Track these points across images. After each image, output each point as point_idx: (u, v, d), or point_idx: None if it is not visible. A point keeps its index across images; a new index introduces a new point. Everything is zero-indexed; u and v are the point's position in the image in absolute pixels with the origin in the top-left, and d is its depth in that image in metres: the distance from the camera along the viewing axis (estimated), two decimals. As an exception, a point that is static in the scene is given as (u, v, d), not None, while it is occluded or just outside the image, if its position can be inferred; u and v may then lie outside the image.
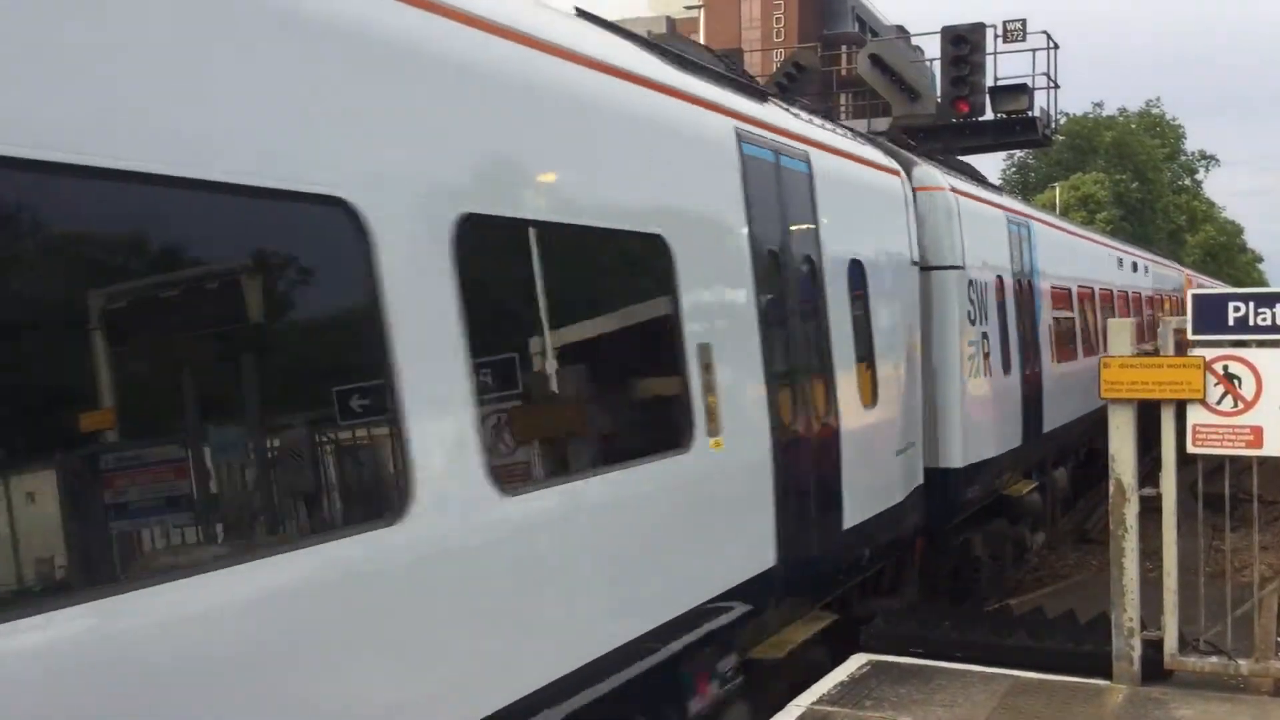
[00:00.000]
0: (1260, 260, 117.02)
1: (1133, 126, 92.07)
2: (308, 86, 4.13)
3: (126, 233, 3.65)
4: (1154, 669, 7.39)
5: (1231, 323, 6.96)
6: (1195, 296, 7.15)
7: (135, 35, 3.54)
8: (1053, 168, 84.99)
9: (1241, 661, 7.26)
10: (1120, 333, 7.45)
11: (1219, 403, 7.00)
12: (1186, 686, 7.34)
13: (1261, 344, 6.97)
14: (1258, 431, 6.92)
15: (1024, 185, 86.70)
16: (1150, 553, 7.61)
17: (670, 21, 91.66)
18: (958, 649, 8.14)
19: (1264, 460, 7.40)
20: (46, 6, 3.31)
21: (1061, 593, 12.82)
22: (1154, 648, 7.40)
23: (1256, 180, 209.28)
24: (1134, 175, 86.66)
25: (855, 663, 7.96)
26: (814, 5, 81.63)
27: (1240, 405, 6.95)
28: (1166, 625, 7.30)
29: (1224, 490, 7.98)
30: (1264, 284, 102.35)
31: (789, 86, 21.19)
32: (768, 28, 78.74)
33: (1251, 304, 6.93)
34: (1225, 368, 6.98)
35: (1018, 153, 78.67)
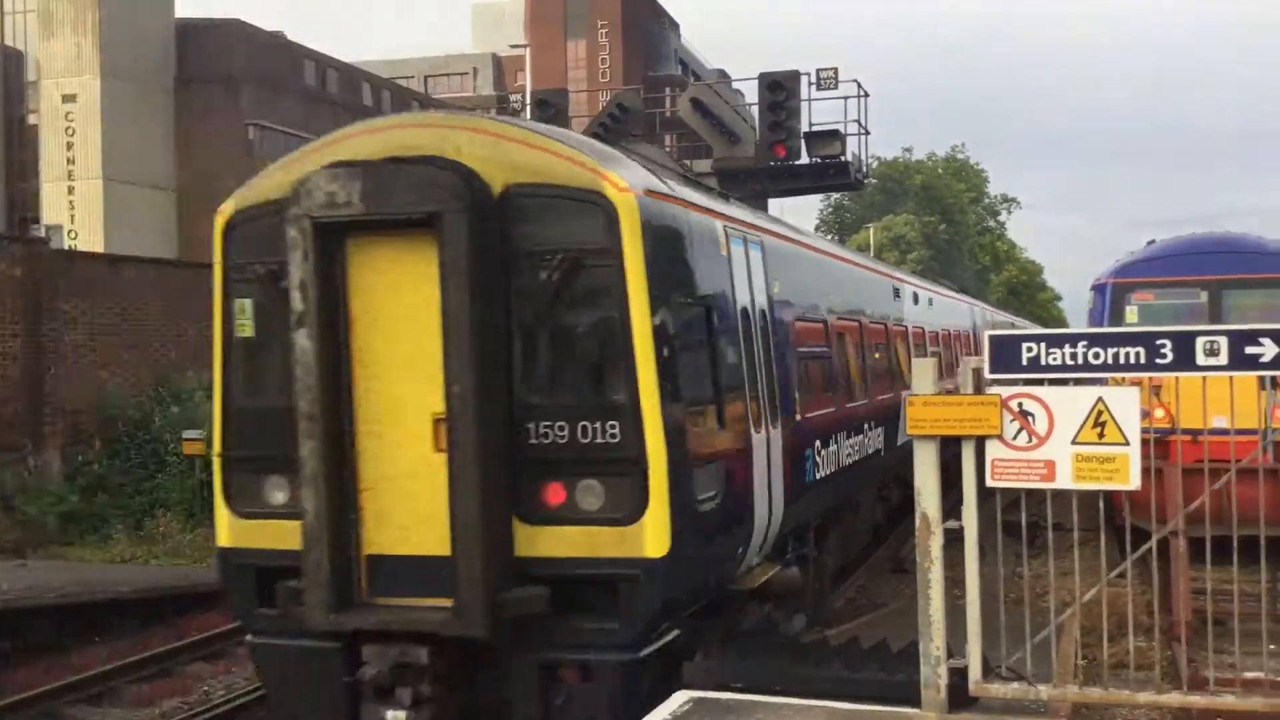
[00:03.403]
0: (1059, 298, 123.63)
1: (940, 170, 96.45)
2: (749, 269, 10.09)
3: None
4: (960, 696, 7.65)
5: (1025, 362, 7.31)
6: (992, 337, 7.50)
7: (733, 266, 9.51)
8: (867, 209, 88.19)
9: (1041, 686, 7.58)
10: (924, 372, 7.75)
11: (1015, 438, 7.34)
12: (991, 712, 7.63)
13: (1053, 382, 7.36)
14: (1050, 465, 7.27)
15: (840, 226, 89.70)
16: (961, 581, 7.92)
17: (496, 59, 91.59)
18: (777, 682, 8.28)
19: (1059, 492, 7.80)
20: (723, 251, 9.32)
21: (877, 622, 13.19)
22: (960, 675, 7.67)
23: (1055, 221, 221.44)
24: (942, 217, 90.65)
25: (677, 700, 8.01)
26: (638, 48, 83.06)
27: (1034, 440, 7.30)
28: (970, 653, 7.57)
29: (1034, 519, 8.36)
30: (1063, 320, 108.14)
31: (613, 127, 21.47)
32: (593, 68, 79.71)
33: (1043, 344, 7.31)
34: (1020, 405, 7.33)
35: (834, 195, 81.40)
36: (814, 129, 19.58)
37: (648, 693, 8.04)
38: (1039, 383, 7.37)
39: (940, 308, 22.48)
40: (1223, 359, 6.98)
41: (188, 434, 19.52)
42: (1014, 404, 7.34)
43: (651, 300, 7.81)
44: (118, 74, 46.30)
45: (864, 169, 21.49)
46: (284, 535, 8.07)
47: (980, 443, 7.46)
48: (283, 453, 8.03)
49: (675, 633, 8.35)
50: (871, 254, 79.13)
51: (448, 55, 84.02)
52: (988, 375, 7.47)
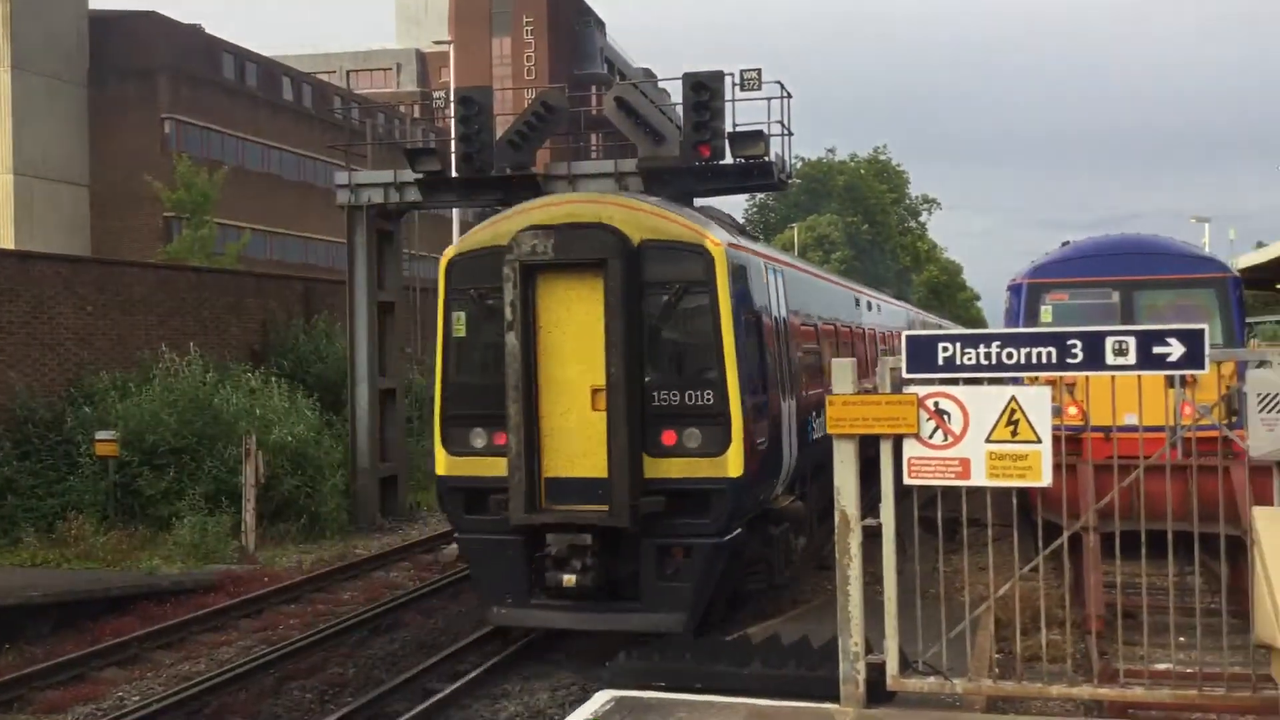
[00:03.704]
0: (978, 298, 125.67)
1: (862, 172, 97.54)
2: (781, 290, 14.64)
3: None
4: (879, 691, 7.77)
5: (941, 362, 7.44)
6: (908, 338, 7.61)
7: (768, 288, 14.00)
8: (791, 209, 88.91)
9: (957, 680, 7.72)
10: (842, 372, 7.84)
11: (931, 437, 7.47)
12: (908, 707, 7.75)
13: (968, 382, 7.48)
14: (965, 463, 7.41)
15: (765, 225, 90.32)
16: (883, 577, 8.01)
17: (420, 55, 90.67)
18: (699, 680, 8.34)
19: (976, 488, 7.93)
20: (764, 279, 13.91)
21: (799, 618, 13.31)
22: (878, 670, 7.78)
23: (975, 222, 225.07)
24: (864, 217, 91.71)
25: (598, 700, 8.03)
26: (564, 46, 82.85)
27: (950, 439, 7.43)
28: (888, 649, 7.68)
29: (955, 515, 8.50)
30: (983, 319, 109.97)
31: (537, 126, 21.41)
32: (519, 66, 79.31)
33: (958, 345, 7.43)
34: (936, 404, 7.45)
35: (759, 194, 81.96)
36: (738, 129, 19.69)
37: (723, 568, 12.32)
38: (954, 382, 7.49)
39: (886, 312, 27.35)
40: (1131, 358, 7.16)
41: (101, 435, 19.09)
42: (930, 403, 7.46)
43: (732, 313, 12.18)
44: (28, 66, 45.11)
45: (787, 169, 21.63)
46: (481, 467, 12.51)
47: (898, 441, 7.57)
48: (481, 412, 12.49)
49: (739, 530, 12.40)
50: (795, 253, 79.92)
51: (371, 50, 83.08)
52: (905, 375, 7.58)
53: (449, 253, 13.07)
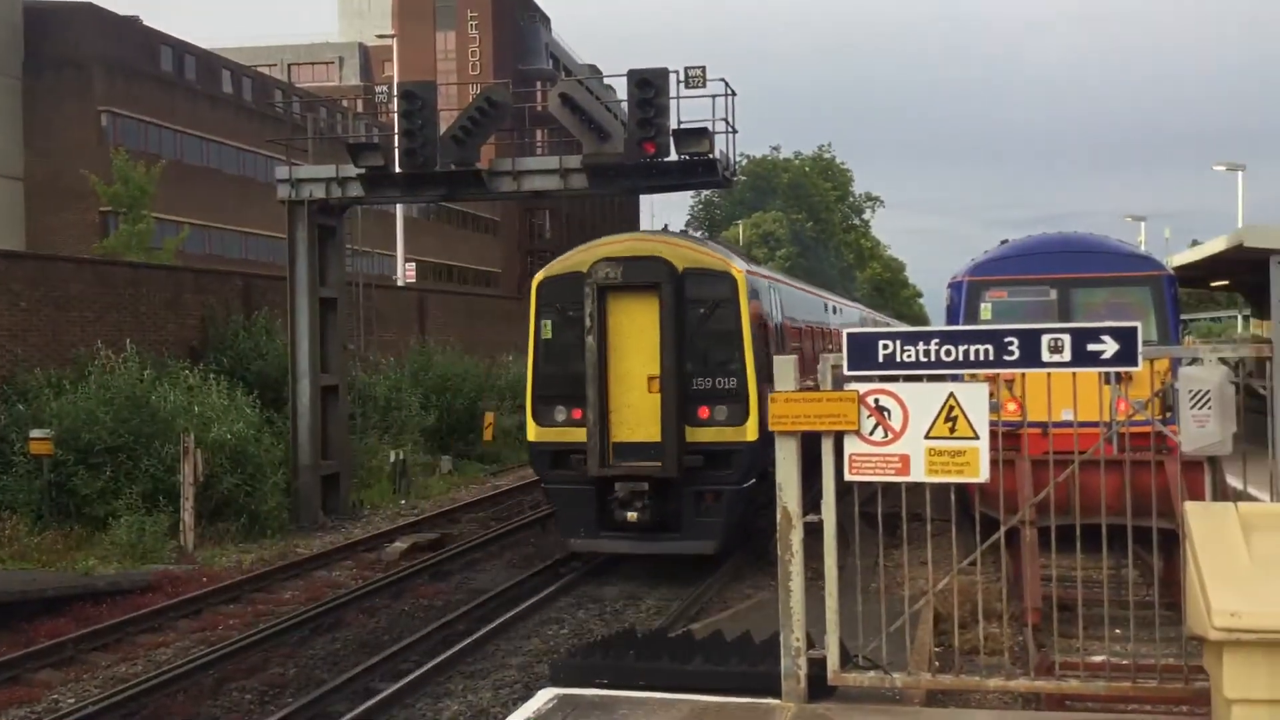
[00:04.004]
0: (921, 295, 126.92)
1: (807, 169, 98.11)
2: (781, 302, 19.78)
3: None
4: (820, 686, 7.81)
5: (881, 359, 7.49)
6: (849, 335, 7.66)
7: (770, 301, 18.54)
8: (736, 206, 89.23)
9: (896, 674, 7.79)
10: (785, 368, 7.88)
11: (872, 433, 7.52)
12: (849, 701, 7.81)
13: (908, 379, 7.55)
14: (905, 459, 7.47)
15: (710, 222, 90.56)
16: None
17: (363, 49, 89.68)
18: (641, 678, 8.33)
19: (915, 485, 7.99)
20: (768, 294, 18.60)
21: (743, 614, 13.39)
22: (820, 666, 7.83)
23: (917, 221, 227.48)
24: (809, 215, 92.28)
25: (541, 698, 8.01)
26: (509, 40, 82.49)
27: (890, 435, 7.49)
28: (829, 644, 7.73)
29: (897, 510, 8.56)
30: (925, 317, 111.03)
31: (481, 121, 21.30)
32: (463, 60, 78.87)
33: (898, 342, 7.49)
34: (876, 401, 7.51)
35: (705, 191, 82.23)
36: (683, 126, 19.72)
37: (742, 509, 16.51)
38: (894, 379, 7.55)
39: (845, 314, 32.38)
40: (1066, 355, 7.25)
41: (35, 433, 18.74)
42: (871, 400, 7.52)
43: (749, 322, 16.33)
44: (-40, 56, 44.16)
45: (732, 167, 21.71)
46: (562, 435, 16.54)
47: (839, 438, 7.62)
48: (561, 394, 16.50)
49: (754, 480, 16.36)
50: (741, 248, 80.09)
51: (313, 44, 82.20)
52: (846, 371, 7.63)
53: (538, 277, 17.33)
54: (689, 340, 16.18)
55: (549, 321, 16.82)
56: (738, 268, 16.66)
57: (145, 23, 52.42)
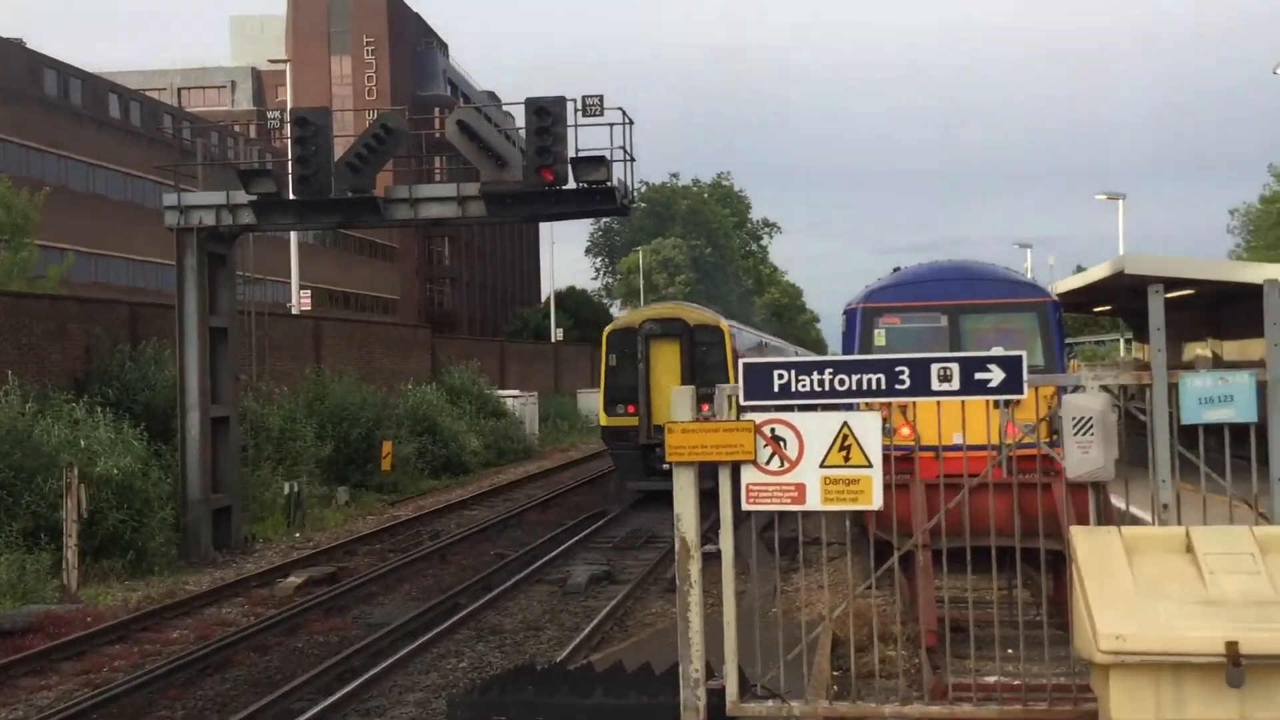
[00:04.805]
0: (818, 320, 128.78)
1: (705, 196, 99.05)
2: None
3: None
4: (719, 716, 7.81)
5: (776, 389, 7.55)
6: (745, 365, 7.72)
7: (742, 341, 31.08)
8: (636, 233, 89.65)
9: (794, 703, 7.83)
10: (682, 399, 7.90)
11: (768, 463, 7.57)
12: (748, 730, 7.81)
13: (802, 408, 7.62)
14: (801, 488, 7.53)
15: (610, 249, 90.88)
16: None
17: (256, 73, 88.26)
18: (540, 713, 8.25)
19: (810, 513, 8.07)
20: (740, 337, 31.78)
21: (644, 643, 13.34)
22: (719, 696, 7.83)
23: (813, 246, 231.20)
24: (708, 241, 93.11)
25: (438, 736, 7.88)
26: (406, 66, 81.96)
27: (786, 465, 7.55)
28: (727, 674, 7.74)
29: (794, 535, 8.63)
30: (823, 342, 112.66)
31: (377, 148, 21.09)
32: (360, 86, 78.16)
33: (793, 372, 7.57)
34: (773, 430, 7.57)
35: (604, 219, 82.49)
36: (581, 154, 19.78)
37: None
38: (790, 408, 7.62)
39: (772, 346, 42.28)
40: (955, 384, 7.41)
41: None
42: (767, 430, 7.57)
43: (732, 354, 26.72)
44: None
45: (630, 194, 21.83)
46: (621, 421, 27.51)
47: (736, 468, 7.65)
48: (621, 398, 27.53)
49: None
50: (640, 277, 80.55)
51: (204, 68, 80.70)
52: (742, 401, 7.68)
53: (608, 329, 28.68)
54: (697, 365, 26.32)
55: (614, 355, 27.67)
56: (725, 324, 28.19)
57: (29, 45, 50.94)
